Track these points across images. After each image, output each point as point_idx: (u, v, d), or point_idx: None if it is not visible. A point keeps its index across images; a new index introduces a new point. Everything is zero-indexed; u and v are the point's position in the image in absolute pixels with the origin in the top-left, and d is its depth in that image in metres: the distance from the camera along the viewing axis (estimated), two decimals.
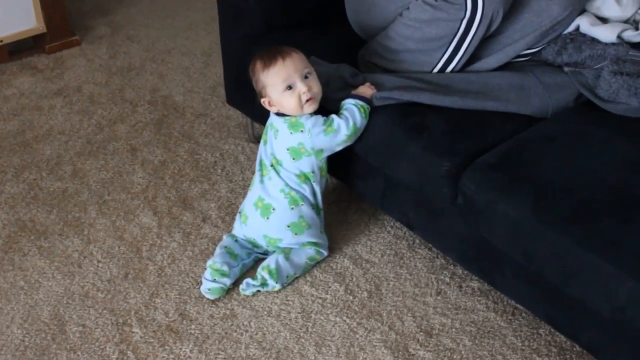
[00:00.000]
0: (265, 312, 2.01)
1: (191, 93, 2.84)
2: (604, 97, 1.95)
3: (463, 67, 2.09)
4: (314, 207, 2.08)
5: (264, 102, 2.03)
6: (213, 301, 2.03)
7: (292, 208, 2.04)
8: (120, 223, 2.27)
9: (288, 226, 2.05)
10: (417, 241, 2.20)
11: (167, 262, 2.15)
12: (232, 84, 2.50)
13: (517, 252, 1.75)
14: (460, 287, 2.07)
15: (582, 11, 2.07)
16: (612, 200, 1.69)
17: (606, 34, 1.99)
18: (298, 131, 1.99)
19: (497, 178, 1.79)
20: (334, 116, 1.99)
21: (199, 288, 2.06)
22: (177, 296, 2.05)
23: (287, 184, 2.03)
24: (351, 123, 1.97)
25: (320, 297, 2.05)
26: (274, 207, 2.04)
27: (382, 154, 2.00)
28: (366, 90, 2.02)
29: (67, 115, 2.72)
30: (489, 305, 2.02)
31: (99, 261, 2.15)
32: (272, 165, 2.05)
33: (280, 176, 2.04)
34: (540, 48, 2.08)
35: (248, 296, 2.04)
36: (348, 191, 2.33)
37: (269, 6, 2.27)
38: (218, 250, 2.09)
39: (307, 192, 2.05)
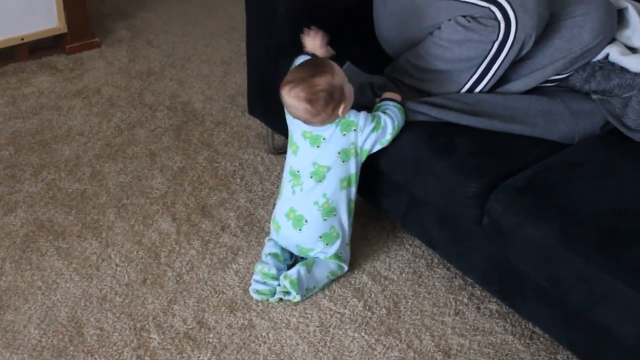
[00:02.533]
0: (284, 325, 2.01)
1: (210, 101, 2.84)
2: (631, 126, 1.96)
3: (491, 89, 2.10)
4: (349, 212, 2.07)
5: (342, 109, 1.95)
6: (231, 310, 2.03)
7: (325, 219, 2.04)
8: (138, 227, 2.27)
9: (320, 237, 2.05)
10: (436, 260, 2.20)
11: (186, 269, 2.14)
12: (254, 94, 2.50)
13: (542, 276, 1.76)
14: (479, 308, 2.07)
15: (612, 40, 2.09)
16: (638, 228, 1.70)
17: (636, 63, 2.01)
18: (351, 131, 1.97)
19: (525, 201, 1.80)
20: (379, 113, 1.99)
21: (217, 296, 2.06)
22: (196, 304, 2.05)
23: (324, 194, 2.01)
24: (396, 123, 1.97)
25: (338, 312, 2.05)
26: (307, 219, 2.03)
27: (409, 171, 2.01)
28: (395, 95, 2.04)
29: (87, 117, 2.72)
30: (507, 328, 2.02)
31: (117, 265, 2.15)
32: (312, 175, 2.01)
33: (319, 185, 2.00)
34: (568, 74, 2.10)
35: (267, 307, 2.04)
36: (367, 208, 2.34)
37: (298, 18, 2.27)
38: (264, 257, 2.10)
39: (346, 198, 2.03)
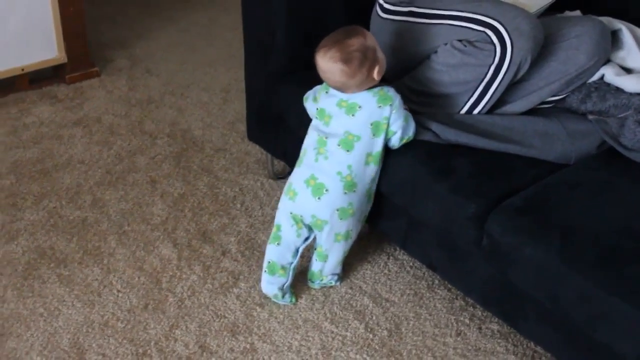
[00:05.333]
0: (286, 348, 2.01)
1: (210, 128, 2.86)
2: (628, 145, 1.98)
3: (489, 111, 2.12)
4: (367, 193, 2.05)
5: (376, 72, 1.97)
6: (233, 334, 2.03)
7: (345, 193, 2.00)
8: (140, 254, 2.28)
9: (337, 210, 2.02)
10: (437, 281, 2.21)
11: (187, 294, 2.15)
12: (254, 120, 2.52)
13: (543, 295, 1.76)
14: (480, 328, 2.08)
15: (607, 61, 2.11)
16: (637, 247, 1.71)
17: (631, 84, 2.03)
18: (387, 105, 1.98)
19: (524, 222, 1.81)
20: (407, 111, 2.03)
21: (219, 321, 2.07)
22: (197, 328, 2.05)
23: (349, 166, 1.99)
24: (413, 127, 2.02)
25: (340, 335, 2.05)
26: (327, 188, 2.00)
27: (408, 194, 2.02)
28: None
29: (87, 145, 2.74)
30: (508, 348, 2.03)
31: (118, 291, 2.15)
32: (340, 143, 1.99)
33: (345, 155, 1.98)
34: (564, 95, 2.12)
35: (268, 330, 2.05)
36: (368, 230, 2.35)
37: (295, 45, 2.30)
38: (264, 273, 2.13)
39: (368, 176, 2.02)
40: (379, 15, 2.24)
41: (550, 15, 2.24)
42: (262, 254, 2.28)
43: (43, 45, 2.99)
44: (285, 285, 2.11)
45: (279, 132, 2.42)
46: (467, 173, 1.96)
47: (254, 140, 2.57)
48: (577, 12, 2.26)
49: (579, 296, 1.68)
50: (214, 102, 3.02)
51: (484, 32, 2.01)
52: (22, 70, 2.98)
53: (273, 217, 2.35)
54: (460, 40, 2.05)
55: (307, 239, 2.11)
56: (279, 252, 2.10)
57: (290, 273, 2.11)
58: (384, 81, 2.08)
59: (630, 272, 1.66)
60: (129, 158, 2.69)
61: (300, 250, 2.12)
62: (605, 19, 2.14)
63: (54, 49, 3.02)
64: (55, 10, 2.94)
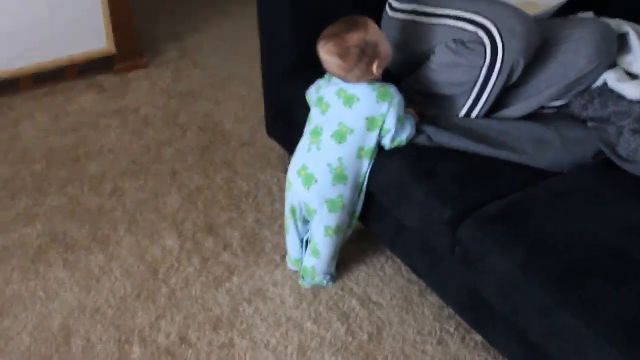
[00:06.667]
0: (263, 345, 2.01)
1: (242, 122, 2.89)
2: (623, 155, 1.88)
3: (489, 114, 2.06)
4: (358, 187, 2.03)
5: (376, 67, 1.94)
6: (215, 329, 2.05)
7: (335, 184, 1.99)
8: (144, 243, 2.33)
9: (326, 201, 2.01)
10: (430, 288, 2.16)
11: (180, 285, 2.19)
12: (271, 116, 2.53)
13: (506, 307, 1.70)
14: (464, 339, 2.02)
15: (614, 65, 2.01)
16: (605, 263, 1.63)
17: (632, 90, 1.92)
18: (386, 101, 1.95)
19: (494, 230, 1.75)
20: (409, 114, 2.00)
21: (205, 314, 2.09)
22: (182, 320, 2.08)
23: (339, 158, 1.97)
24: (410, 131, 1.98)
25: (320, 335, 2.04)
26: (317, 179, 1.99)
27: (393, 195, 1.99)
28: (412, 112, 2.05)
29: (120, 135, 2.82)
30: None
31: (116, 278, 2.21)
32: (334, 134, 1.98)
33: (337, 147, 1.97)
34: (567, 101, 2.03)
35: (250, 327, 2.06)
36: (367, 232, 2.32)
37: (304, 43, 2.28)
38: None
39: (359, 170, 2.00)
40: (387, 13, 2.21)
41: (560, 17, 2.14)
42: (263, 249, 2.31)
43: (92, 37, 3.10)
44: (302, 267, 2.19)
45: (292, 128, 2.42)
46: (450, 177, 1.91)
47: (273, 136, 2.58)
48: (590, 14, 2.15)
49: (537, 310, 1.62)
50: (251, 96, 3.04)
51: (475, 32, 1.96)
52: (72, 60, 3.08)
53: (281, 213, 2.37)
54: (454, 41, 2.00)
55: (307, 231, 2.15)
56: (289, 241, 2.19)
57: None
58: (391, 80, 2.05)
59: (589, 291, 1.58)
60: (157, 149, 2.75)
61: (305, 241, 2.17)
62: (614, 22, 2.03)
63: (103, 40, 3.12)
64: (104, 3, 3.03)
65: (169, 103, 3.01)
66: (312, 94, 2.11)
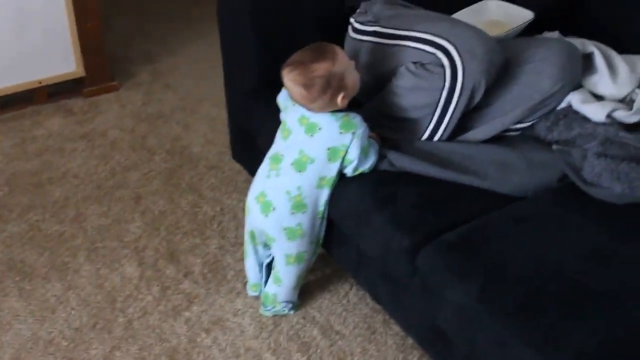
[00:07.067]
0: None
1: (210, 145, 2.83)
2: (587, 179, 1.82)
3: (453, 137, 2.00)
4: (319, 214, 1.97)
5: (341, 98, 1.86)
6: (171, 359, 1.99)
7: (293, 213, 1.93)
8: (103, 271, 2.27)
9: (284, 229, 1.95)
10: (392, 318, 2.09)
11: (138, 315, 2.12)
12: (236, 140, 2.48)
13: (462, 339, 1.64)
14: None
15: (579, 86, 1.95)
16: (563, 292, 1.57)
17: (595, 112, 1.87)
18: (349, 132, 1.87)
19: (452, 259, 1.69)
20: (373, 142, 1.94)
21: (161, 345, 2.02)
22: (137, 351, 2.01)
23: (298, 187, 1.91)
24: (373, 160, 1.93)
25: None
26: (275, 206, 1.93)
27: (353, 223, 1.92)
28: (376, 137, 1.98)
29: (86, 159, 2.76)
30: None
31: (72, 308, 2.14)
32: (294, 163, 1.92)
33: (297, 175, 1.91)
34: (532, 122, 1.97)
35: (207, 358, 1.99)
36: (331, 260, 2.26)
37: (267, 63, 2.24)
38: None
39: (319, 199, 1.94)
40: (349, 34, 2.16)
41: (524, 37, 2.09)
42: (225, 277, 2.25)
43: (61, 60, 3.04)
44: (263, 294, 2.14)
45: (255, 151, 2.36)
46: (410, 203, 1.85)
47: (237, 159, 2.53)
48: (556, 34, 2.10)
49: (494, 342, 1.55)
50: (221, 117, 2.98)
51: (434, 54, 1.90)
52: (40, 83, 3.03)
53: None
54: (414, 63, 1.94)
55: (268, 255, 2.10)
56: (248, 265, 2.15)
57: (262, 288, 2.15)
58: (357, 105, 1.99)
59: (547, 320, 1.51)
60: (122, 173, 2.69)
61: (264, 265, 2.12)
62: (579, 41, 1.98)
63: (72, 64, 3.06)
64: (72, 25, 2.98)
65: (138, 126, 2.95)
66: (281, 101, 2.05)
